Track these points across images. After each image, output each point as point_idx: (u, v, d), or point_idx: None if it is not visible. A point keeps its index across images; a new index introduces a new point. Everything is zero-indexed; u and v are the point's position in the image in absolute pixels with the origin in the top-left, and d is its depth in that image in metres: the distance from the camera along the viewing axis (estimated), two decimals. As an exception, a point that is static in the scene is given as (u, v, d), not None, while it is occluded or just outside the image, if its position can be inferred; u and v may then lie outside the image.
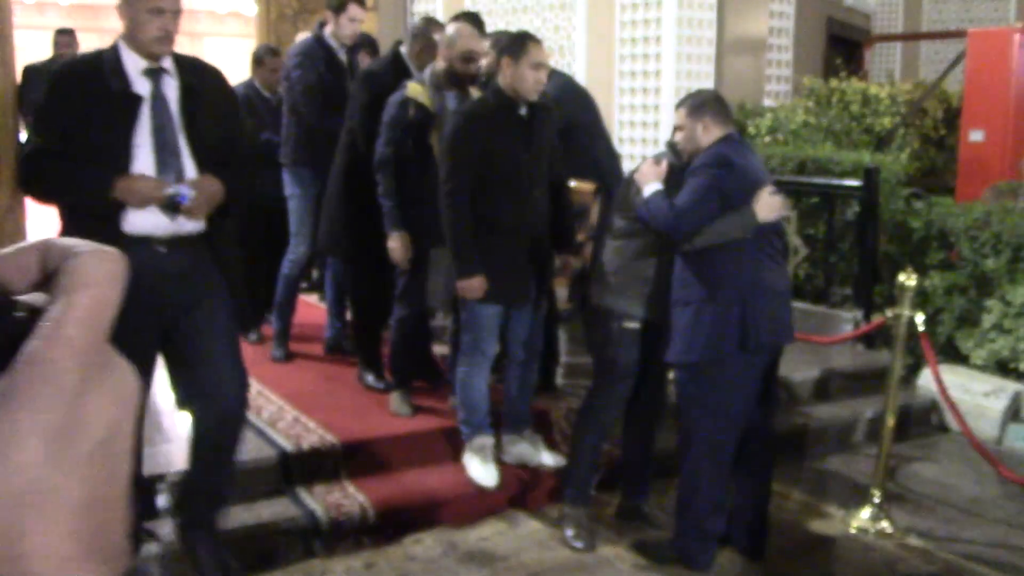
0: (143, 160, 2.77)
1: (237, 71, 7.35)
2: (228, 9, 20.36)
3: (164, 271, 2.80)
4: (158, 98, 2.81)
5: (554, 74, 5.07)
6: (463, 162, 3.56)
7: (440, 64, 3.97)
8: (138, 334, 2.32)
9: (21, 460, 0.33)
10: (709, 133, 3.28)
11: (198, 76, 2.94)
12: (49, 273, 0.36)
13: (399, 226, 3.97)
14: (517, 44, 3.58)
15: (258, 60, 5.60)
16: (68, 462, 0.34)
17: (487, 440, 3.82)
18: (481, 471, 3.76)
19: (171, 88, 2.84)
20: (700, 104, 3.33)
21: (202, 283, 2.91)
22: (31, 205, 3.15)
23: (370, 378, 4.54)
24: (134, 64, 2.80)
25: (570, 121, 4.60)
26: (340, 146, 4.37)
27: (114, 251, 0.34)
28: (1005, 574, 3.49)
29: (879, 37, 10.84)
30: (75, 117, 2.75)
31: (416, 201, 3.93)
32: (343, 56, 4.79)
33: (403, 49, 4.39)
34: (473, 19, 4.19)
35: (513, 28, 6.57)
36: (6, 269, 0.37)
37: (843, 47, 9.29)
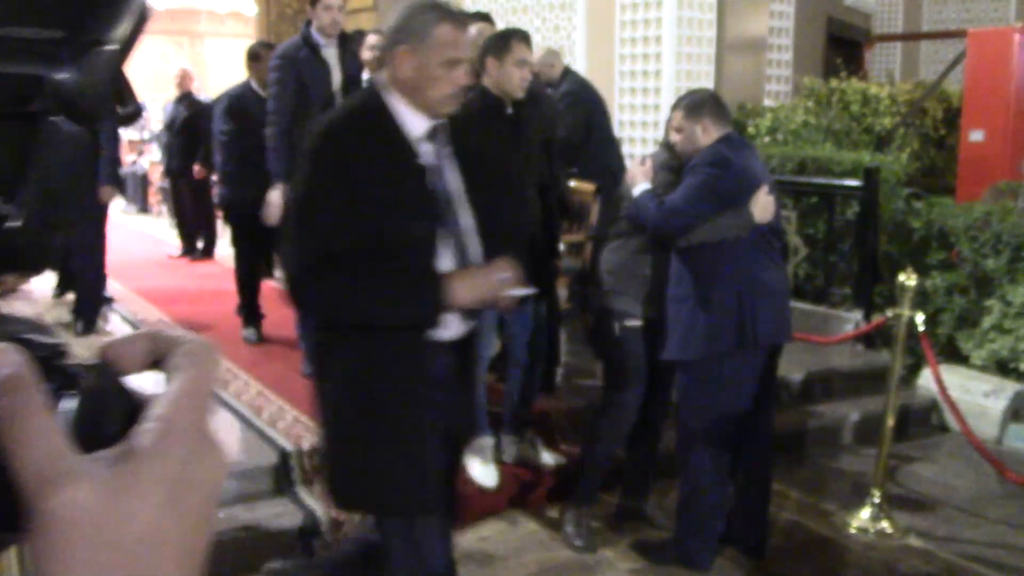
0: (446, 251, 2.19)
1: (237, 71, 7.36)
2: (228, 9, 20.39)
3: (432, 376, 2.22)
4: (440, 168, 2.23)
5: (569, 72, 5.07)
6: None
7: None
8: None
9: (141, 506, 0.37)
10: (708, 134, 3.27)
11: (465, 122, 2.36)
12: (157, 359, 0.42)
13: None
14: (501, 42, 3.55)
15: (254, 56, 5.41)
16: (179, 512, 0.38)
17: (487, 441, 3.82)
18: (481, 471, 3.76)
19: (445, 150, 2.25)
20: (698, 105, 3.30)
21: (457, 390, 2.39)
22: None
23: None
24: (415, 125, 2.18)
25: (588, 120, 4.60)
26: None
27: (210, 341, 0.43)
28: (1005, 574, 3.48)
29: (879, 37, 10.84)
30: (367, 202, 2.07)
31: None
32: (331, 51, 4.56)
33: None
34: (488, 21, 4.17)
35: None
36: (121, 352, 0.43)
37: (843, 47, 9.29)
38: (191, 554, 0.40)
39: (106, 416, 0.42)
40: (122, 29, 0.47)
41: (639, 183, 3.32)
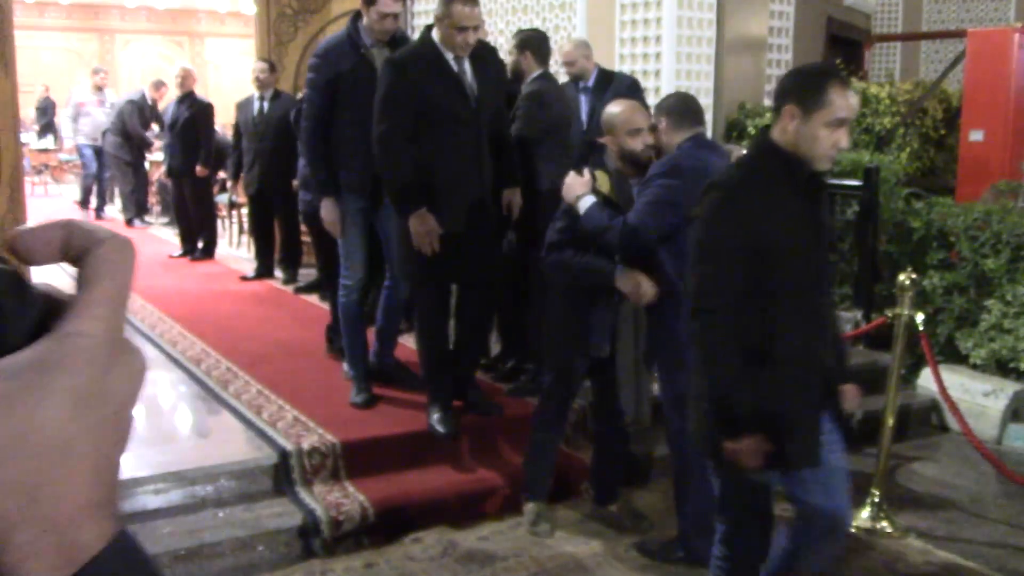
0: None
1: (236, 71, 7.34)
2: (228, 9, 20.37)
3: None
4: None
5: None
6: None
7: (612, 149, 3.47)
8: None
9: (47, 416, 0.37)
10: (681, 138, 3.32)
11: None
12: (71, 255, 0.41)
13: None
14: (813, 86, 3.28)
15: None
16: (90, 422, 0.38)
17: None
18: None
19: None
20: (684, 112, 3.34)
21: None
22: (31, 205, 3.10)
23: (436, 416, 4.00)
24: None
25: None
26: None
27: (128, 239, 0.41)
28: (1005, 574, 3.48)
29: (879, 37, 10.84)
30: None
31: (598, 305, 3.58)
32: (375, 54, 4.17)
33: (434, 34, 3.88)
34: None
35: (513, 28, 6.57)
36: (32, 242, 0.41)
37: (843, 47, 9.29)
38: (106, 461, 0.40)
39: (8, 322, 0.39)
40: None
41: (582, 195, 3.32)
